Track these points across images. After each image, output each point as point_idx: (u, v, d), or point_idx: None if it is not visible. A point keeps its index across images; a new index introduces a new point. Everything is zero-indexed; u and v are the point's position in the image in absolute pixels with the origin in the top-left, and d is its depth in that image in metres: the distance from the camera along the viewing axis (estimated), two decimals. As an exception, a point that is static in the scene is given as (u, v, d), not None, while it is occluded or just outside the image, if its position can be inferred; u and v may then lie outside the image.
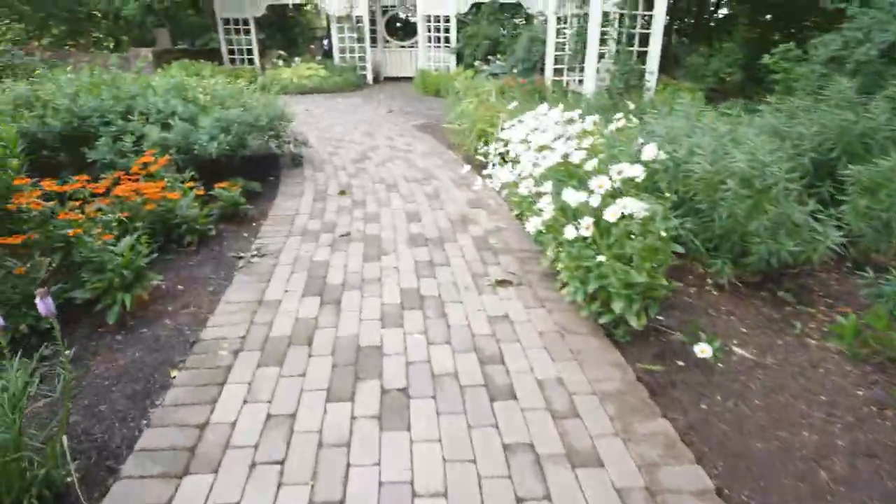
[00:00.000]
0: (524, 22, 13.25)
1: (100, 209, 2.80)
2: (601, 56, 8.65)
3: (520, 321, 2.61)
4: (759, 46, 12.87)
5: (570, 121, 3.35)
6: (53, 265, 2.54)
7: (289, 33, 14.99)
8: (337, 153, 6.03)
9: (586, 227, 2.15)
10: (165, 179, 3.38)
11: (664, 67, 8.59)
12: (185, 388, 2.08)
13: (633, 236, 2.31)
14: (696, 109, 4.18)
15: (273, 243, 3.48)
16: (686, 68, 12.26)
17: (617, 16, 8.00)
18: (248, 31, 14.07)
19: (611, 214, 2.09)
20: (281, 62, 12.96)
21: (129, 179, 3.20)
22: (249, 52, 14.27)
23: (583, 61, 10.98)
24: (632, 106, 5.74)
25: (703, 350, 2.24)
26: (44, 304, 1.52)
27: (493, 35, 12.80)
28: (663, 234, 2.25)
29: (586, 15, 10.58)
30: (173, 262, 3.16)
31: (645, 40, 8.48)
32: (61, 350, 1.57)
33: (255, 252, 3.32)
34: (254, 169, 4.87)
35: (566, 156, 2.44)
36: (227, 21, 14.02)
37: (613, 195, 2.33)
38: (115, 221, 2.67)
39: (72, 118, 3.69)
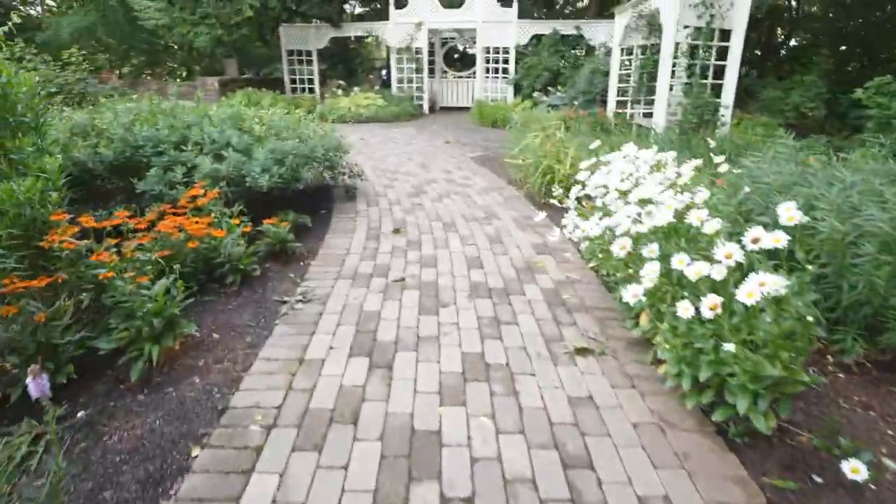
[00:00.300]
0: (584, 53, 12.92)
1: (140, 247, 2.58)
2: (670, 88, 8.11)
3: (607, 406, 2.12)
4: (838, 79, 11.93)
5: (661, 165, 2.88)
6: (83, 305, 2.30)
7: (349, 64, 15.33)
8: (392, 186, 5.78)
9: (711, 306, 1.67)
10: (213, 214, 3.16)
11: (735, 101, 7.95)
12: (206, 474, 1.73)
13: (764, 317, 1.81)
14: (802, 153, 3.61)
15: (320, 287, 3.16)
16: (760, 102, 11.48)
17: (688, 47, 7.48)
18: (310, 62, 14.47)
19: (746, 294, 1.61)
20: (340, 91, 13.16)
21: (176, 213, 2.99)
22: (310, 81, 14.65)
23: (648, 93, 10.46)
24: (711, 143, 5.20)
25: (854, 469, 1.69)
26: (35, 385, 1.22)
27: (554, 66, 12.51)
28: (809, 318, 1.74)
29: (653, 46, 10.11)
30: (212, 305, 2.89)
31: (718, 73, 7.90)
32: (53, 441, 1.24)
33: (300, 297, 3.01)
34: (306, 201, 4.66)
35: (678, 213, 1.98)
36: (290, 53, 14.49)
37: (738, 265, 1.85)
38: (150, 263, 2.42)
39: (125, 147, 3.58)
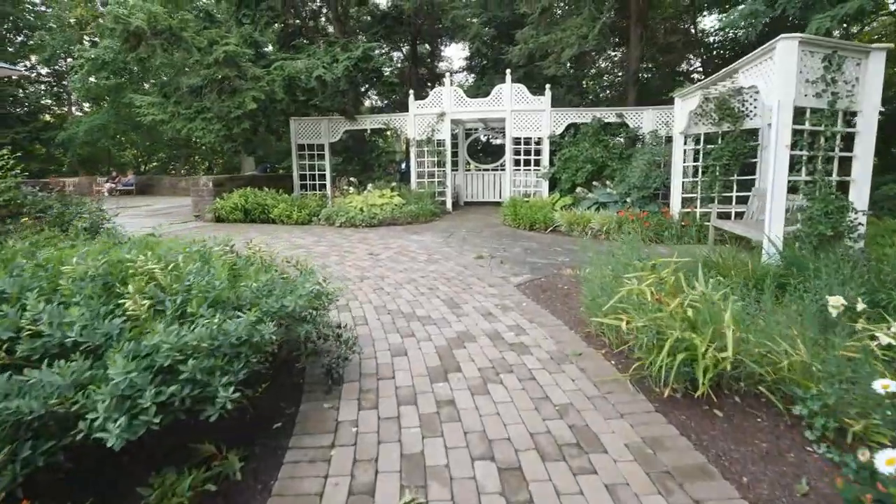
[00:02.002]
0: (631, 143, 11.25)
1: None
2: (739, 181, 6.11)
3: None
4: None
5: None
6: None
7: (365, 157, 14.04)
8: (403, 352, 3.65)
9: None
10: None
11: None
12: None
13: None
14: None
15: None
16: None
17: (808, 134, 5.56)
18: (322, 157, 13.17)
19: None
20: (351, 189, 11.62)
21: None
22: (322, 177, 13.27)
23: (723, 189, 8.56)
24: None
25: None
26: None
27: (597, 158, 10.82)
28: None
29: (726, 134, 8.33)
30: None
31: (843, 166, 5.91)
32: None
33: None
34: (245, 402, 2.54)
35: None
36: (301, 147, 13.27)
37: None
38: None
39: None
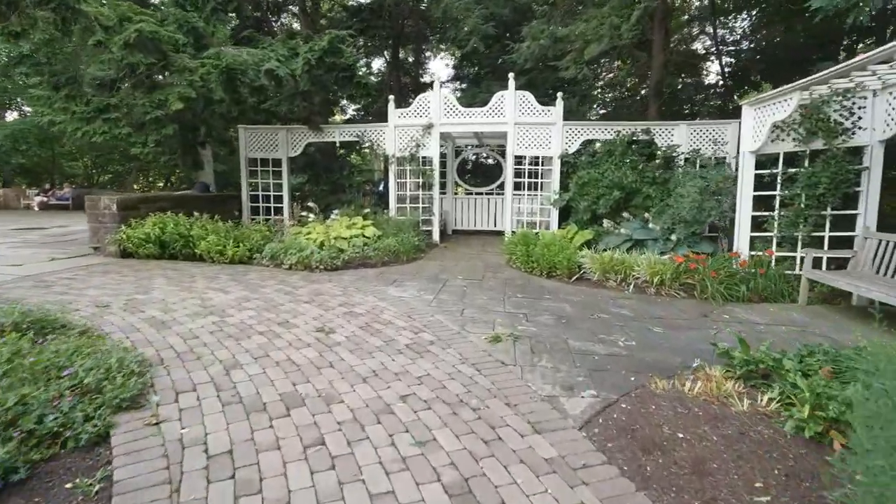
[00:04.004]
0: (663, 165, 9.01)
1: None
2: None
3: None
4: None
5: None
6: None
7: (334, 176, 11.54)
8: None
9: None
10: None
11: None
12: None
13: None
14: None
15: None
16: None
17: None
18: (278, 174, 10.62)
19: None
20: (311, 216, 9.07)
21: None
22: (279, 199, 10.70)
23: (811, 227, 6.32)
24: None
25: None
26: None
27: (626, 183, 8.54)
28: None
29: (841, 153, 6.04)
30: None
31: None
32: None
33: None
34: None
35: None
36: (253, 162, 10.70)
37: None
38: None
39: None
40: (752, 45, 12.29)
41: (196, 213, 8.22)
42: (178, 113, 8.05)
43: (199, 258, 7.46)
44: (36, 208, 20.71)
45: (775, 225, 6.46)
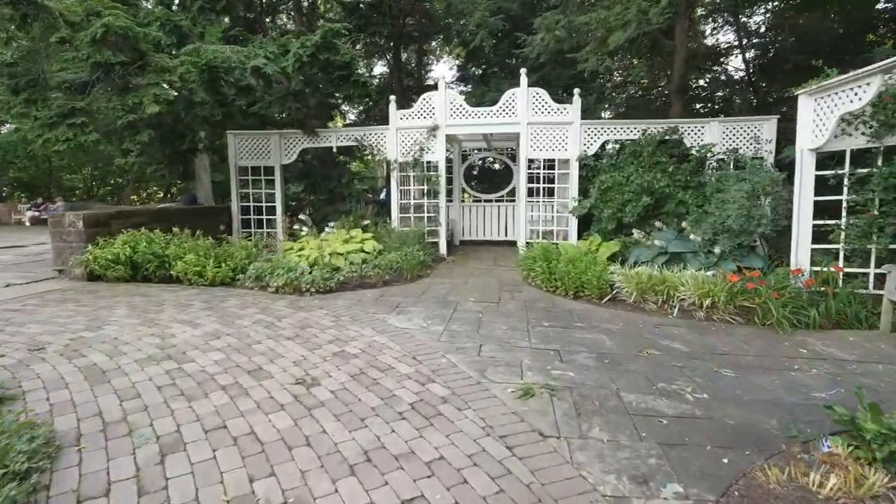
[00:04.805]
0: (693, 167, 8.03)
1: None
2: None
3: None
4: None
5: None
6: None
7: (332, 184, 10.67)
8: None
9: None
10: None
11: None
12: None
13: None
14: None
15: None
16: None
17: None
18: (271, 183, 9.77)
19: None
20: (303, 229, 8.18)
21: None
22: (271, 210, 9.84)
23: (890, 239, 5.29)
24: None
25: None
26: None
27: (656, 188, 7.60)
28: None
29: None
30: None
31: None
32: None
33: None
34: None
35: None
36: (244, 170, 9.86)
37: None
38: None
39: None
40: (780, 38, 11.35)
41: (176, 229, 7.35)
42: (156, 117, 7.21)
43: (177, 280, 6.58)
44: (27, 223, 20.01)
45: (842, 236, 5.49)
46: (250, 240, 7.80)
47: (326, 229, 8.01)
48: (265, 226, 9.86)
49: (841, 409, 2.64)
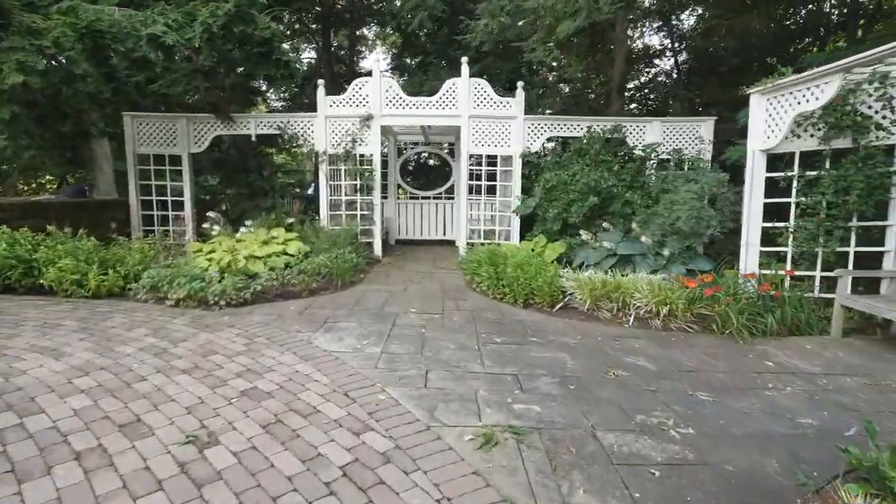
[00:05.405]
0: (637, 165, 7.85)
1: None
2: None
3: None
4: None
5: None
6: None
7: (251, 177, 9.56)
8: None
9: None
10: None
11: None
12: None
13: None
14: None
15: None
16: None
17: None
18: (178, 175, 8.51)
19: None
20: (215, 228, 7.10)
21: None
22: (179, 205, 8.58)
23: (836, 241, 5.20)
24: None
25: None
26: None
27: (603, 187, 7.31)
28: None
29: (875, 153, 4.85)
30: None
31: None
32: None
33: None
34: None
35: None
36: (145, 159, 8.52)
37: None
38: None
39: None
40: (713, 41, 11.61)
41: (52, 227, 6.05)
42: (23, 90, 5.88)
43: (50, 291, 5.35)
44: None
45: (790, 239, 5.40)
46: (145, 241, 6.60)
47: (242, 229, 6.99)
48: (171, 223, 8.59)
49: (855, 451, 2.25)
